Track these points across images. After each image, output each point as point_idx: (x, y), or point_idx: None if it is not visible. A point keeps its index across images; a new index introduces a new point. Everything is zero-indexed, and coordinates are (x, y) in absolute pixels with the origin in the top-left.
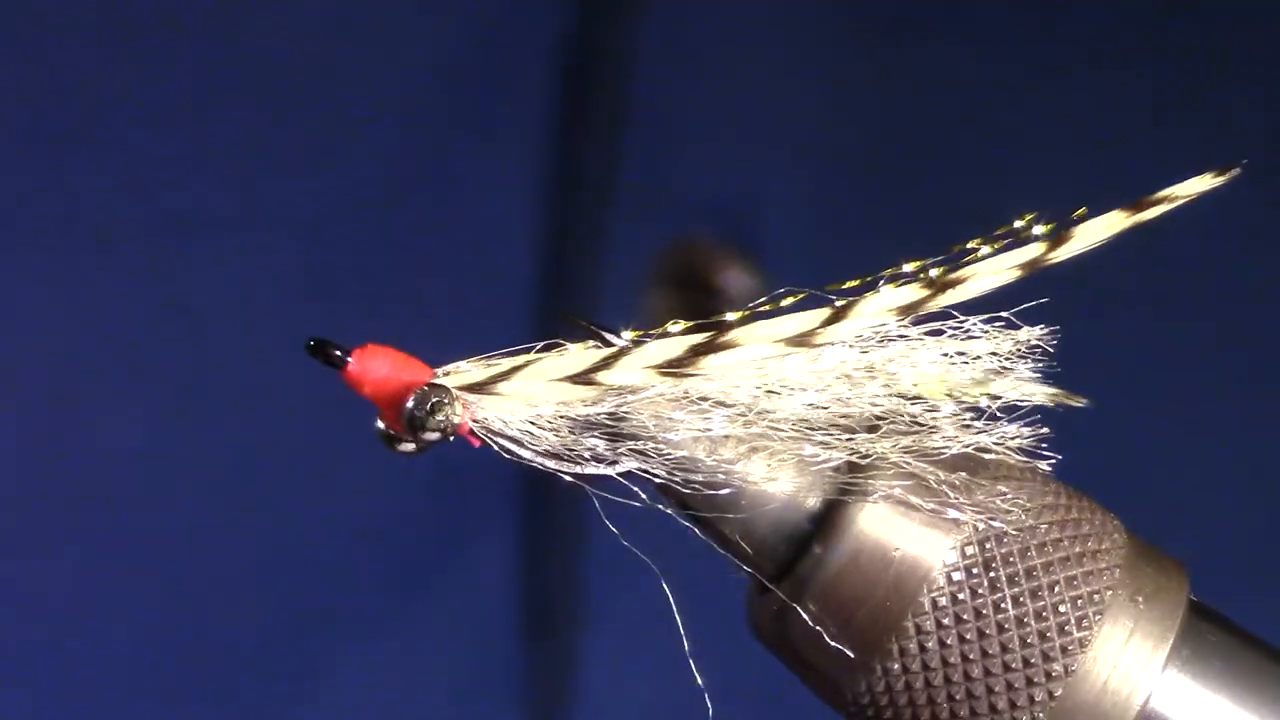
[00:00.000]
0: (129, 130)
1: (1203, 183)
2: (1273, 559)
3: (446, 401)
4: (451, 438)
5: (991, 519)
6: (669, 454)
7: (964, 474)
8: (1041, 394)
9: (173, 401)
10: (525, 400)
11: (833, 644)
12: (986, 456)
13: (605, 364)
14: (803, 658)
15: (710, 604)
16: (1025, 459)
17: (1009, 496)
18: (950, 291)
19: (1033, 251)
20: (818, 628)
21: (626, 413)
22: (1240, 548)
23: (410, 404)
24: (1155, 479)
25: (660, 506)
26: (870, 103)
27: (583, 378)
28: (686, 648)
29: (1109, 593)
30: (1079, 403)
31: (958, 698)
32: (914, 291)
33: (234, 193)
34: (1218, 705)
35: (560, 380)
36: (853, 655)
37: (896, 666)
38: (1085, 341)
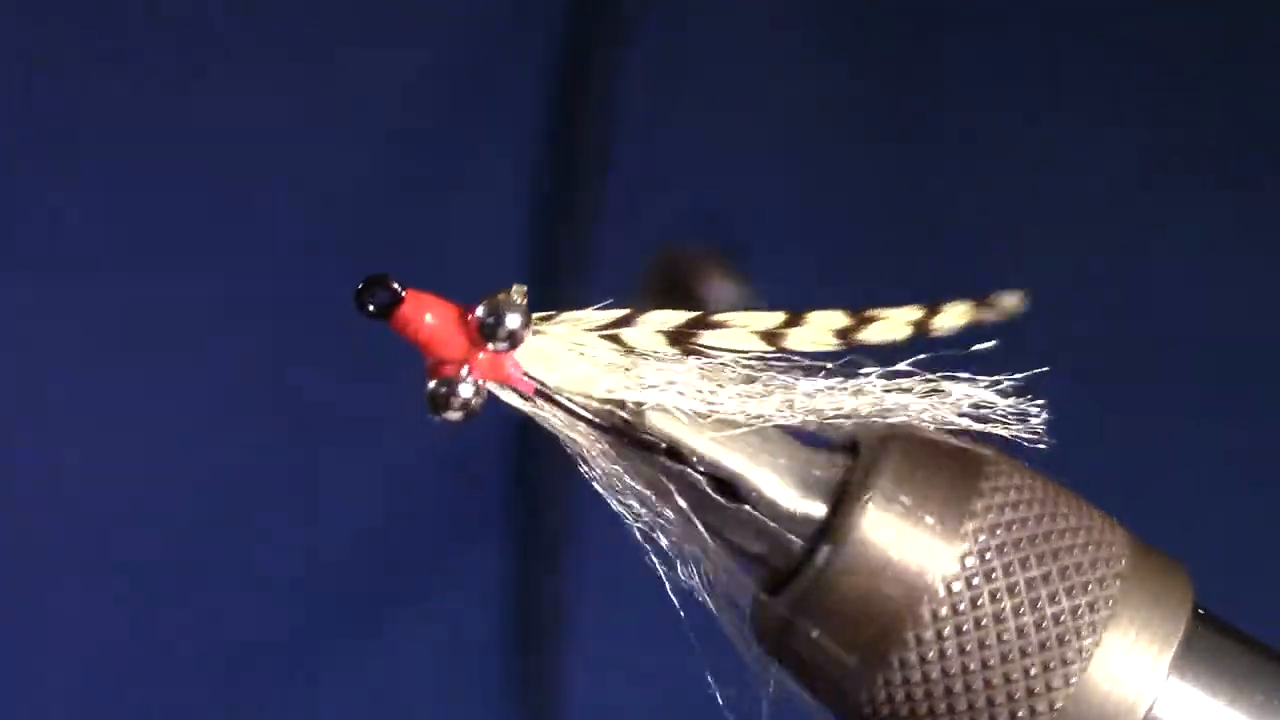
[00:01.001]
0: (118, 134)
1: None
2: (1277, 563)
3: (520, 301)
4: (527, 333)
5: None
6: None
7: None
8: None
9: (163, 407)
10: (568, 343)
11: (834, 653)
12: (983, 477)
13: (625, 321)
14: (804, 665)
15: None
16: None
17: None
18: (871, 327)
19: (915, 314)
20: (819, 636)
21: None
22: (1245, 552)
23: (482, 309)
24: (1158, 480)
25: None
26: (861, 113)
27: (609, 330)
28: (701, 655)
29: (1111, 601)
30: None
31: (959, 709)
32: (844, 318)
33: (224, 197)
34: (1222, 712)
35: (593, 330)
36: (853, 665)
37: (897, 678)
38: (1083, 341)
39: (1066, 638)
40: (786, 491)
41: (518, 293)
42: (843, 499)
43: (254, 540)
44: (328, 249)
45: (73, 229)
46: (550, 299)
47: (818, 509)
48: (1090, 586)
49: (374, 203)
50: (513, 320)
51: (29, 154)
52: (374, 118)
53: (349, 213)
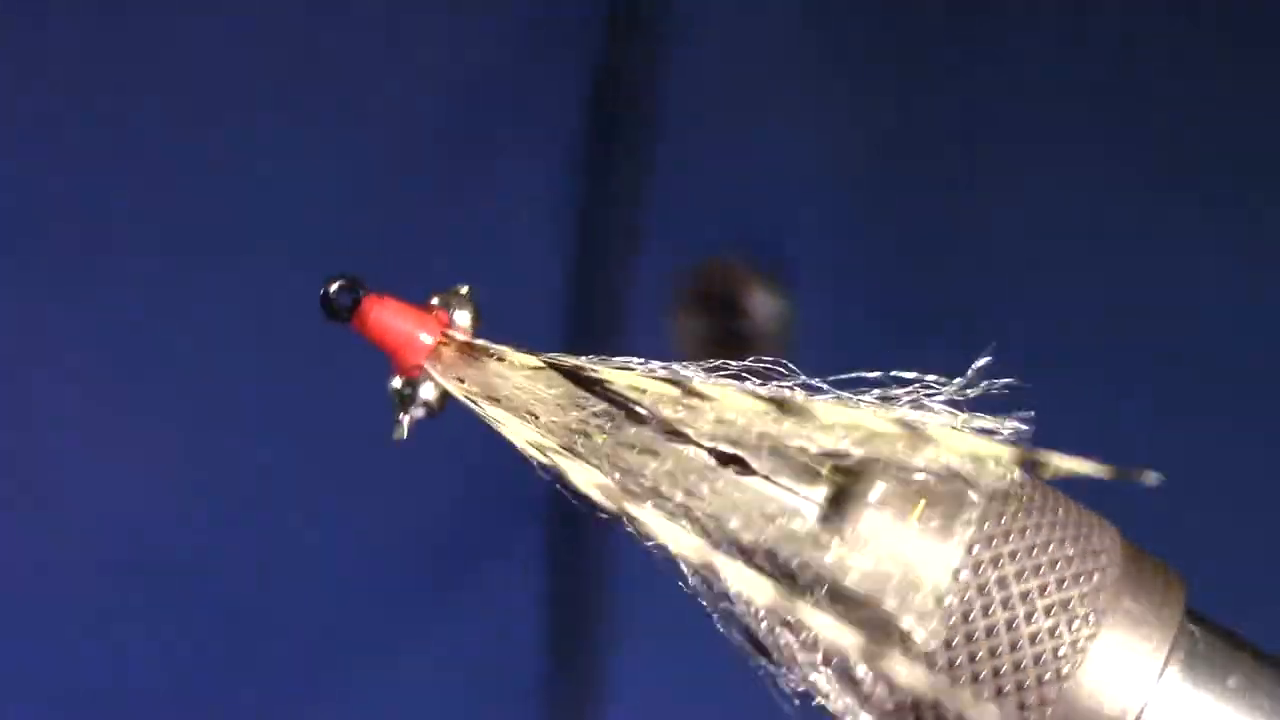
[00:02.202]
0: (144, 134)
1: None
2: (1270, 566)
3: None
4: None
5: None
6: None
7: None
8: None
9: (185, 412)
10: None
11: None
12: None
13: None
14: None
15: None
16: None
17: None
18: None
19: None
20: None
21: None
22: (1239, 555)
23: (437, 300)
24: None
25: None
26: (906, 127)
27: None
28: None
29: (1103, 605)
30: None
31: (948, 717)
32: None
33: (250, 198)
34: (1214, 713)
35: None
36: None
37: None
38: (1084, 348)
39: (1057, 644)
40: (784, 497)
41: (466, 289)
42: (838, 500)
43: (287, 543)
44: (361, 255)
45: (78, 227)
46: (589, 313)
47: (814, 508)
48: (1082, 592)
49: (407, 213)
50: (462, 317)
51: (32, 151)
52: (408, 126)
53: (379, 220)
